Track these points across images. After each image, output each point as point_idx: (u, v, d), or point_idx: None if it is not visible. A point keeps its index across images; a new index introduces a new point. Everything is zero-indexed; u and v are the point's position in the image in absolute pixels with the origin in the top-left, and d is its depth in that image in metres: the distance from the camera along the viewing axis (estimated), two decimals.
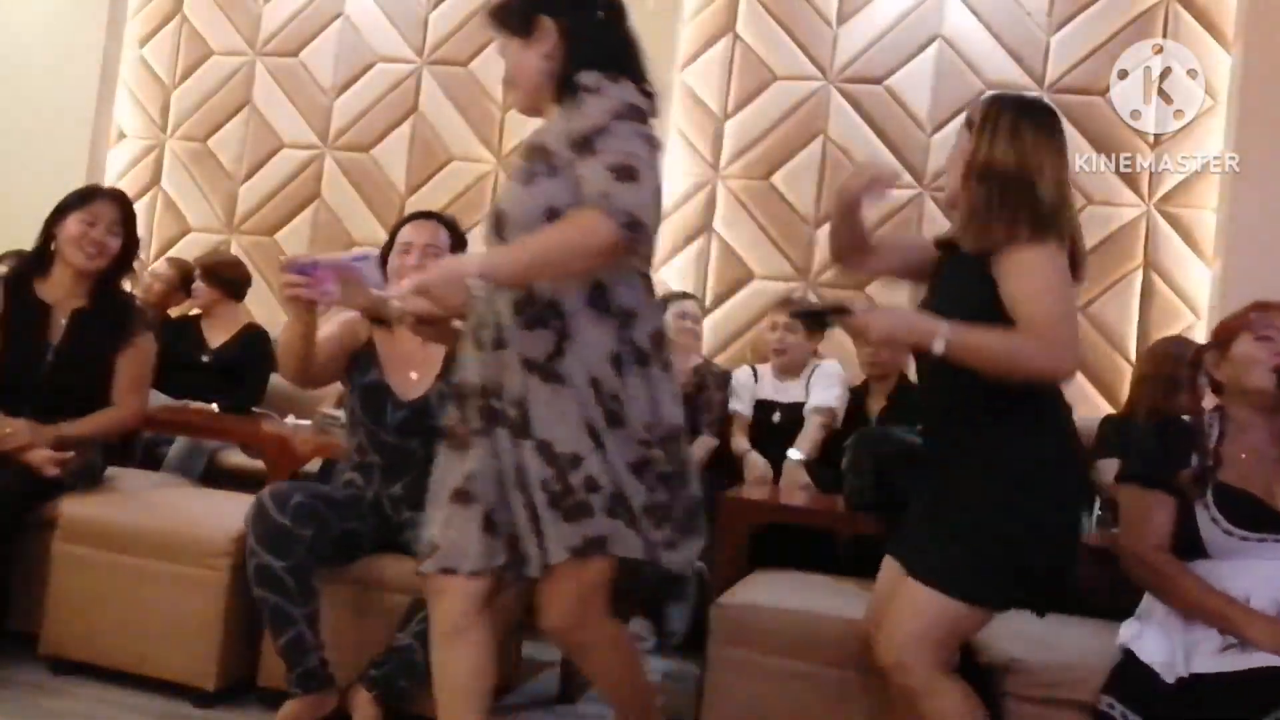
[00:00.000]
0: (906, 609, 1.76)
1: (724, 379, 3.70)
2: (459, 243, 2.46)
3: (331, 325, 2.49)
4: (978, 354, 1.67)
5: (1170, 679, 1.76)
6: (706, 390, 3.63)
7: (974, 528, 1.75)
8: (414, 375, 2.40)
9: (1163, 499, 1.91)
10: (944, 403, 1.85)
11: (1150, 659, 1.82)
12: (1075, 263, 1.77)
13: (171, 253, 4.86)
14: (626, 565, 1.72)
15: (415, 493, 2.28)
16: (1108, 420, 3.30)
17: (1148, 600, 1.97)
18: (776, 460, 3.38)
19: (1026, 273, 1.68)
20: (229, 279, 4.04)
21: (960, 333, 1.66)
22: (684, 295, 3.93)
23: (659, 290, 4.18)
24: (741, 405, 3.65)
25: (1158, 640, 1.84)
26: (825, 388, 3.54)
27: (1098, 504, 3.15)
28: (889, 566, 1.93)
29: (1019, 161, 1.73)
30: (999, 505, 1.74)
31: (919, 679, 1.73)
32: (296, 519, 2.15)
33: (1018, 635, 2.09)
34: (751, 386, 3.67)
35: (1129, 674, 1.84)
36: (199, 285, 3.97)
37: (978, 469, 1.77)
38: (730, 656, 2.14)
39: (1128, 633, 1.93)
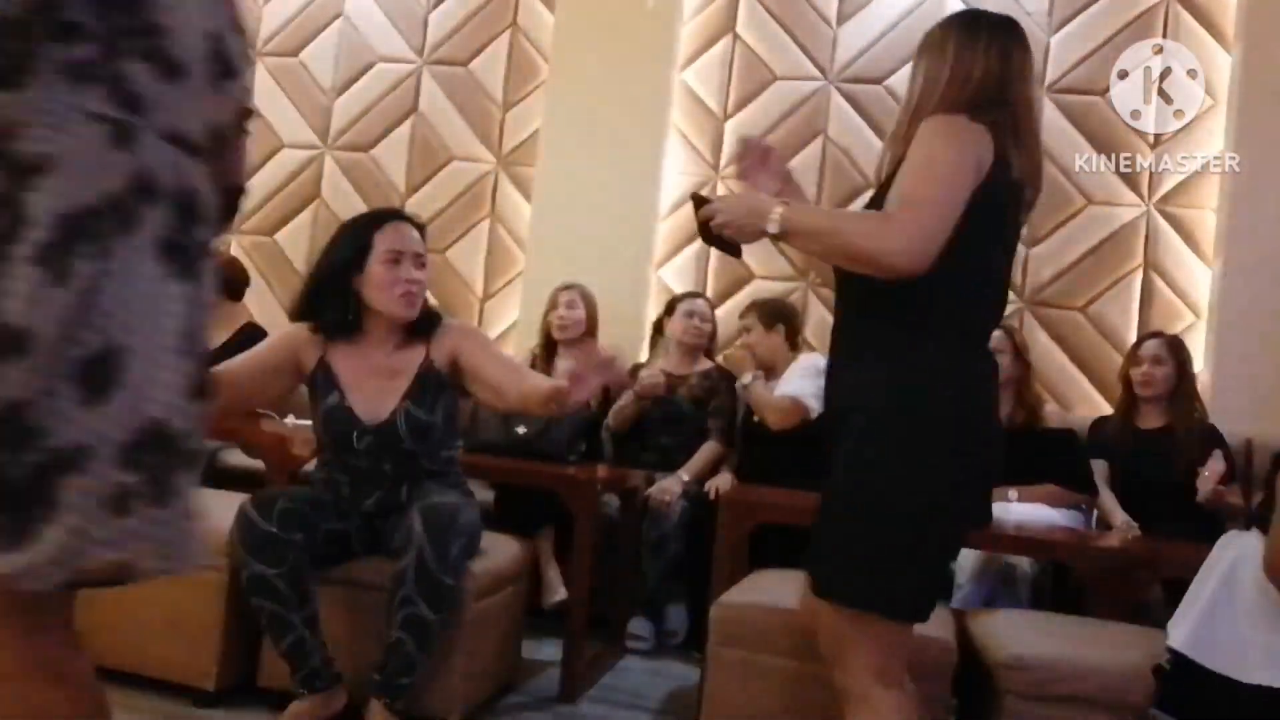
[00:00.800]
0: (822, 626, 1.56)
1: (733, 384, 3.58)
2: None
3: (261, 345, 2.38)
4: (810, 235, 1.45)
5: (1244, 683, 1.63)
6: (718, 396, 3.59)
7: (837, 512, 1.52)
8: (376, 393, 2.26)
9: None
10: (835, 340, 1.60)
11: (1219, 666, 1.67)
12: (1028, 174, 1.52)
13: None
14: None
15: (390, 501, 2.29)
16: (1100, 421, 3.30)
17: (1208, 600, 1.79)
18: (769, 470, 3.16)
19: (919, 142, 1.46)
20: (228, 279, 4.04)
21: (796, 210, 1.46)
22: (693, 294, 3.87)
23: (660, 291, 4.20)
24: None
25: (1231, 646, 1.68)
26: (797, 379, 3.33)
27: (1080, 514, 3.16)
28: None
29: (943, 67, 1.55)
30: (860, 477, 1.48)
31: (852, 686, 1.52)
32: (283, 524, 2.13)
33: (1018, 634, 2.09)
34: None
35: (1184, 682, 1.71)
36: None
37: (854, 432, 1.49)
38: (730, 656, 2.14)
39: (1183, 635, 1.77)
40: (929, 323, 1.47)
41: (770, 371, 3.46)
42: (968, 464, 1.49)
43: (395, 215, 2.34)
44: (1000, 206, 1.49)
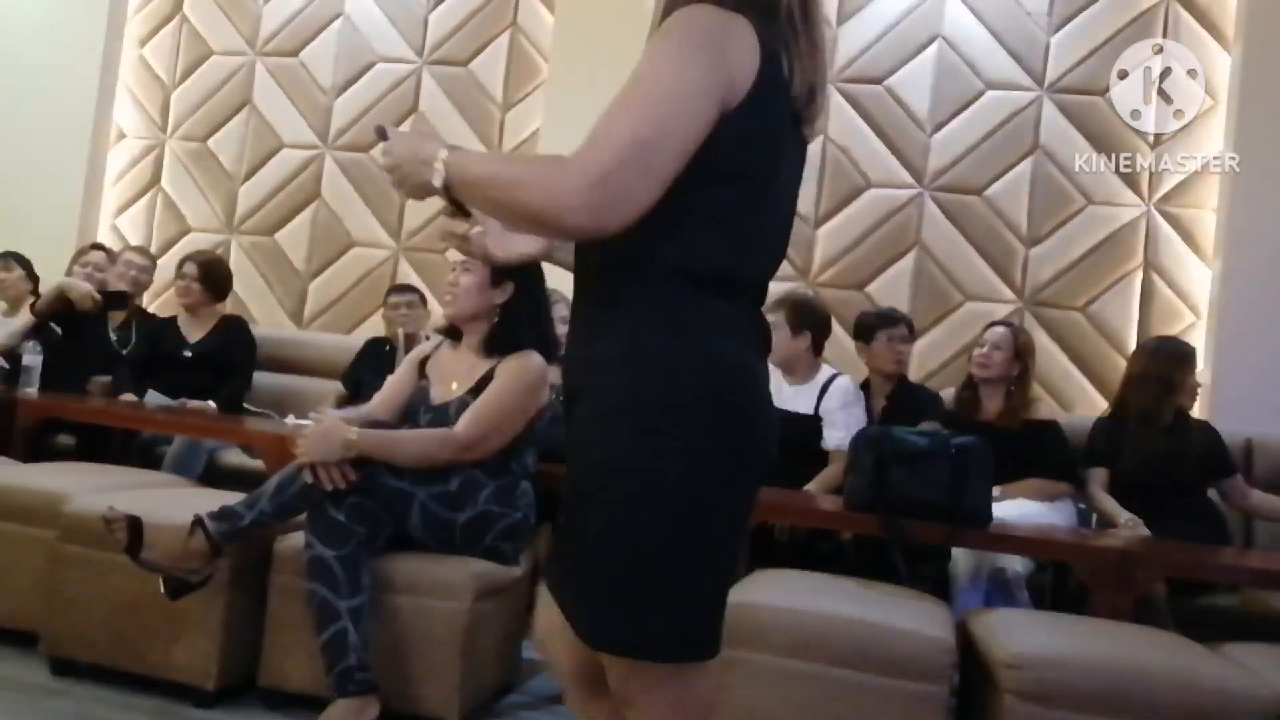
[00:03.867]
0: (605, 660, 1.17)
1: None
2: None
3: (394, 377, 2.70)
4: (476, 186, 1.11)
5: None
6: None
7: (587, 536, 1.14)
8: (455, 385, 2.50)
9: None
10: (575, 312, 1.25)
11: None
12: (810, 81, 1.16)
13: (171, 253, 4.86)
14: None
15: (454, 496, 2.36)
16: (1100, 423, 3.28)
17: None
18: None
19: (650, 45, 1.11)
20: (221, 278, 4.05)
21: (466, 155, 1.12)
22: None
23: None
24: None
25: None
26: (848, 420, 3.24)
27: (1079, 508, 3.16)
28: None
29: None
30: (602, 486, 1.13)
31: None
32: (351, 517, 2.24)
33: (1018, 634, 2.09)
34: None
35: None
36: (191, 285, 3.94)
37: (591, 421, 1.16)
38: (730, 656, 2.13)
39: None
40: (683, 285, 1.13)
41: (791, 372, 3.38)
42: (735, 459, 1.15)
43: None
44: (773, 128, 1.14)
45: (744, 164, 1.12)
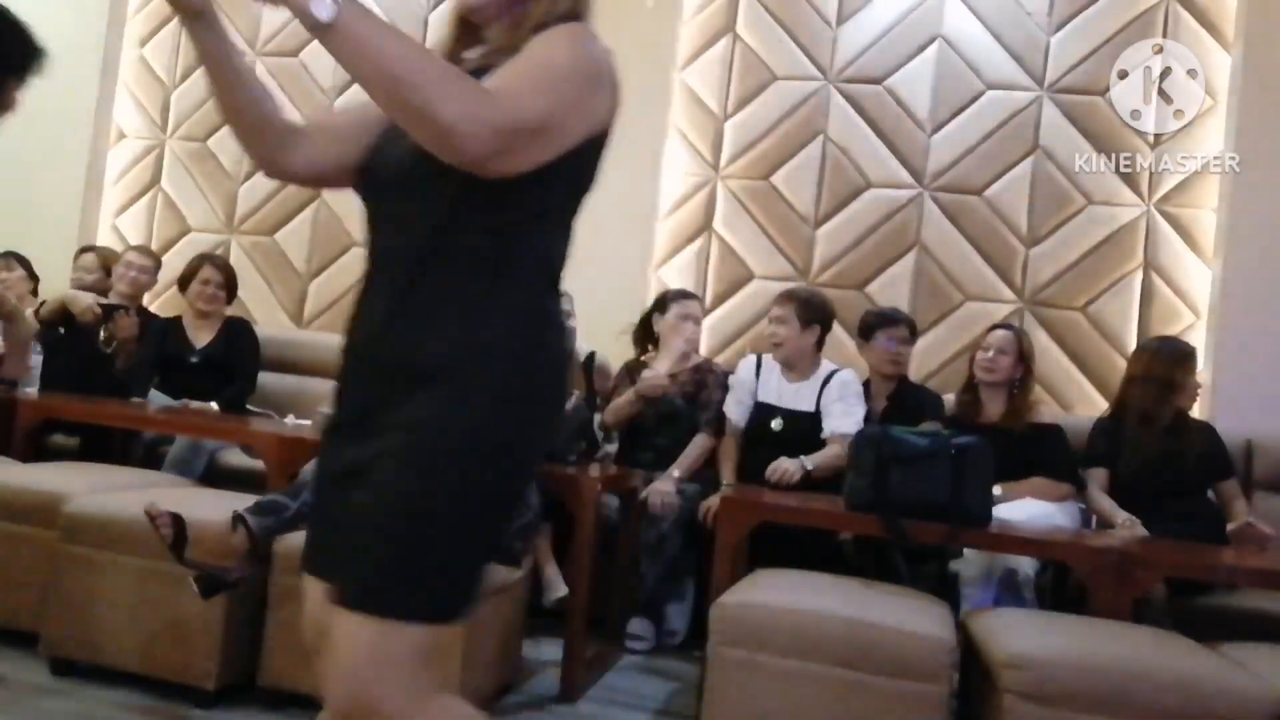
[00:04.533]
0: (344, 643, 1.14)
1: (725, 378, 3.56)
2: None
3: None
4: (374, 54, 1.02)
5: None
6: (706, 389, 3.57)
7: (386, 501, 1.14)
8: None
9: None
10: (378, 282, 1.24)
11: None
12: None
13: (171, 253, 4.86)
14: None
15: None
16: (1100, 424, 3.28)
17: None
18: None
19: (542, 42, 1.16)
20: (235, 282, 4.08)
21: (372, 15, 1.04)
22: (685, 294, 3.76)
23: (661, 290, 4.19)
24: (736, 408, 3.44)
25: None
26: (848, 410, 3.27)
27: (1074, 507, 3.16)
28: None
29: None
30: (423, 452, 1.14)
31: (392, 709, 1.13)
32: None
33: (1018, 634, 2.09)
34: (752, 384, 3.43)
35: None
36: (217, 291, 3.95)
37: (415, 396, 1.16)
38: (730, 656, 2.14)
39: None
40: (539, 278, 1.21)
41: (793, 369, 3.39)
42: (540, 435, 1.23)
43: None
44: (602, 156, 1.24)
45: (587, 181, 1.24)
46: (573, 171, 1.20)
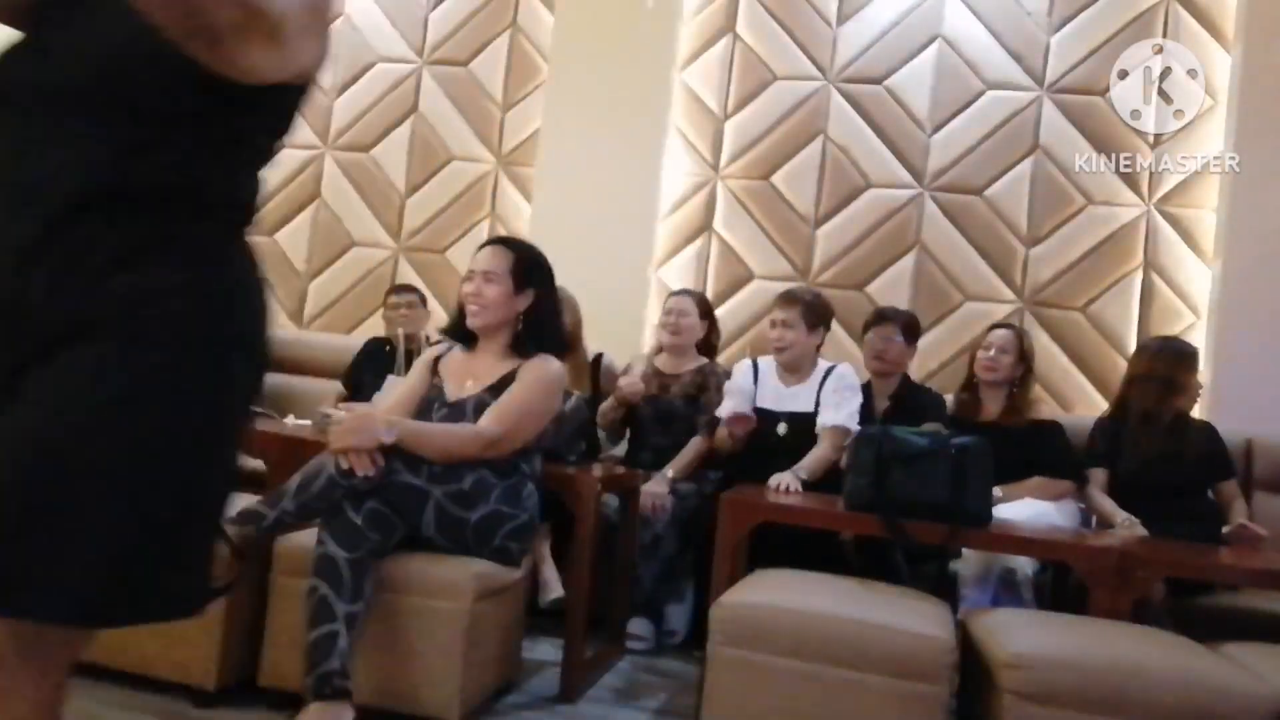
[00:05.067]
0: None
1: (721, 378, 3.52)
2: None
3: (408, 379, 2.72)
4: None
5: None
6: (707, 391, 3.55)
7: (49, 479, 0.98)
8: (470, 383, 2.55)
9: None
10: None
11: None
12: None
13: None
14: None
15: (467, 495, 2.36)
16: (1100, 424, 3.28)
17: None
18: (768, 470, 3.05)
19: None
20: None
21: None
22: (682, 291, 3.72)
23: (660, 291, 4.19)
24: (733, 409, 3.30)
25: None
26: (840, 403, 3.21)
27: (1074, 507, 3.15)
28: None
29: None
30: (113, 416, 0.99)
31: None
32: (367, 522, 2.24)
33: (1018, 634, 2.09)
34: (749, 390, 3.34)
35: None
36: None
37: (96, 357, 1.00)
38: (730, 656, 2.14)
39: None
40: (230, 216, 1.11)
41: (794, 372, 3.35)
42: (257, 386, 1.14)
43: (490, 242, 2.67)
44: (303, 97, 1.15)
45: (286, 123, 1.15)
46: (277, 103, 1.10)
